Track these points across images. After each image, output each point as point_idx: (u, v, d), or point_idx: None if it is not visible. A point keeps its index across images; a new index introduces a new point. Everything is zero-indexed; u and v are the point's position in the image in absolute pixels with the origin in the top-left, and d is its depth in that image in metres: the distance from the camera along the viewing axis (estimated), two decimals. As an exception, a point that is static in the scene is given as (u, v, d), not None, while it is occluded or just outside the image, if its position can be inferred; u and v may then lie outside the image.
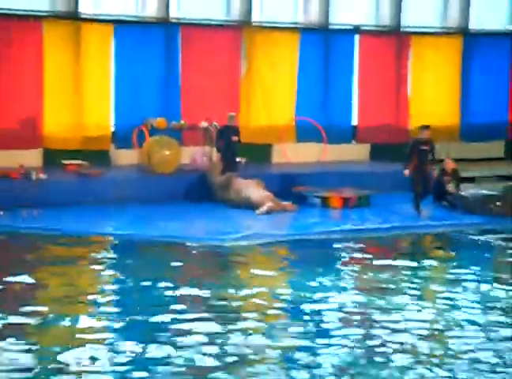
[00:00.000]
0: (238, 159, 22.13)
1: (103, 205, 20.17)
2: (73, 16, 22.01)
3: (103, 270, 16.14)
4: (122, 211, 20.03)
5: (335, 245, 17.94)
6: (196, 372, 10.81)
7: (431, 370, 10.97)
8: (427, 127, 20.88)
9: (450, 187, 21.34)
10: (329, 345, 11.79)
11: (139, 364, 10.87)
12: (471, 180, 23.36)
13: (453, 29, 26.50)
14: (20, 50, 21.43)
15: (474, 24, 26.55)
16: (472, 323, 12.94)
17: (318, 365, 11.08)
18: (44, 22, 21.70)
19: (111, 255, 17.38)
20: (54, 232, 18.02)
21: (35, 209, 19.71)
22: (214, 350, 11.42)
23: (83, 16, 22.18)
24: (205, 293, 14.22)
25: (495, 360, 11.33)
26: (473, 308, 13.82)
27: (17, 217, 19.11)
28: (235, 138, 21.85)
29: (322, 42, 24.66)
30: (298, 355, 11.37)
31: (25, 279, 15.07)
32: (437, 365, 11.05)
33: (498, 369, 11.06)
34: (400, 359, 11.27)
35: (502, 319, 13.20)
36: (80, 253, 16.85)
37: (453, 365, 11.16)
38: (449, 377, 10.78)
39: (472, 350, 11.71)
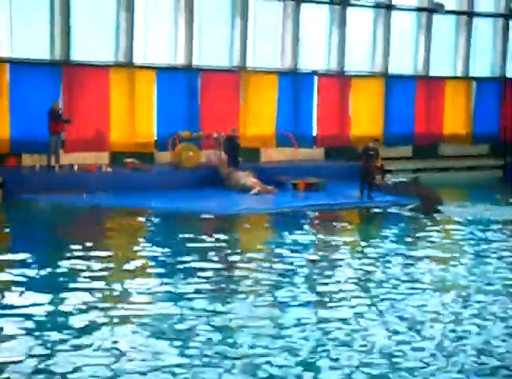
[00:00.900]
0: (239, 159, 22.18)
1: (149, 189, 20.30)
2: (129, 65, 22.11)
3: (150, 226, 17.23)
4: (161, 193, 20.05)
5: (301, 215, 18.45)
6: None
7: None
8: (376, 140, 21.37)
9: (378, 178, 21.45)
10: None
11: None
12: (390, 172, 23.47)
13: (378, 73, 26.30)
14: (95, 87, 21.54)
15: (392, 69, 26.34)
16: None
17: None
18: (110, 69, 21.90)
19: (155, 220, 17.69)
20: (119, 206, 18.56)
21: (106, 192, 19.92)
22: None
23: (136, 64, 22.26)
24: (218, 239, 15.18)
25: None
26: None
27: (95, 197, 19.34)
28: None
29: (293, 80, 24.56)
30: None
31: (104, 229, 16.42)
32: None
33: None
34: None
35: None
36: (135, 217, 17.50)
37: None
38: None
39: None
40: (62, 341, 9.15)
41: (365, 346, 9.31)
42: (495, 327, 10.16)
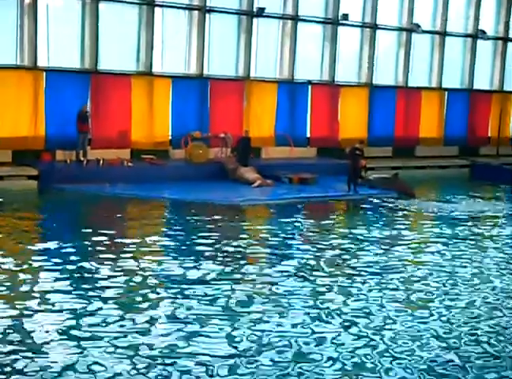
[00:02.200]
0: (251, 156, 22.30)
1: (164, 181, 20.26)
2: (148, 73, 22.07)
3: (164, 214, 17.52)
4: (175, 185, 19.99)
5: (296, 205, 18.62)
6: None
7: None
8: (362, 141, 21.55)
9: (363, 174, 21.47)
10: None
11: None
12: (373, 169, 22.88)
13: (364, 83, 26.30)
14: (119, 92, 21.53)
15: (376, 80, 26.34)
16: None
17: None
18: (132, 77, 21.87)
19: (169, 208, 18.12)
20: (136, 196, 18.52)
21: (127, 183, 19.80)
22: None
23: (154, 73, 22.19)
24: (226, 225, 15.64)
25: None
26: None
27: (118, 188, 19.27)
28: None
29: (290, 89, 24.49)
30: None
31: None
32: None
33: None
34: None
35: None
36: (151, 207, 17.61)
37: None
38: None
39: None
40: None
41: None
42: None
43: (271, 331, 8.89)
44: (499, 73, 29.69)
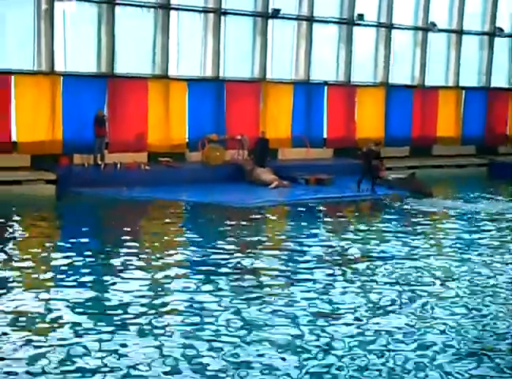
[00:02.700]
0: (268, 158, 22.34)
1: (181, 184, 20.30)
2: (165, 76, 22.08)
3: (183, 215, 17.56)
4: (192, 187, 20.03)
5: (312, 206, 18.78)
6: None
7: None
8: (378, 143, 21.57)
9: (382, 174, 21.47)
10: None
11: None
12: (390, 169, 22.79)
13: (380, 83, 26.19)
14: (136, 96, 21.55)
15: (392, 80, 26.27)
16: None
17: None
18: (149, 80, 21.88)
19: (186, 209, 18.25)
20: (155, 199, 18.67)
21: (144, 187, 19.73)
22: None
23: (170, 76, 22.16)
24: (244, 226, 15.69)
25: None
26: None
27: (135, 191, 19.40)
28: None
29: (306, 90, 24.46)
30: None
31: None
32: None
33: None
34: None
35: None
36: (170, 208, 17.83)
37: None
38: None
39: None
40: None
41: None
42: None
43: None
44: (517, 71, 29.58)
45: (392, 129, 26.29)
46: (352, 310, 9.98)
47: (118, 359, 8.03)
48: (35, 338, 8.56)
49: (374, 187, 20.48)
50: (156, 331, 8.94)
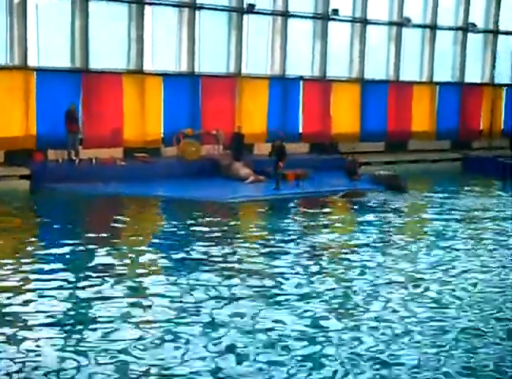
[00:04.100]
0: (244, 152, 22.33)
1: (156, 179, 20.33)
2: (139, 71, 21.98)
3: (158, 213, 17.44)
4: (167, 182, 20.04)
5: (289, 201, 18.82)
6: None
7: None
8: (282, 140, 21.30)
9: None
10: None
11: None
12: (368, 164, 23.30)
13: (355, 78, 26.33)
14: (110, 91, 21.47)
15: (367, 75, 26.35)
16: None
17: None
18: (123, 75, 21.78)
19: (162, 205, 18.09)
20: (129, 195, 18.55)
21: (120, 182, 19.56)
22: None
23: (145, 71, 22.07)
24: (219, 222, 15.50)
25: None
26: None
27: (110, 186, 19.11)
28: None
29: (282, 85, 24.47)
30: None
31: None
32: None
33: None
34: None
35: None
36: (144, 204, 17.87)
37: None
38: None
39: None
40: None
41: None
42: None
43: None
44: (490, 66, 29.74)
45: (367, 124, 26.40)
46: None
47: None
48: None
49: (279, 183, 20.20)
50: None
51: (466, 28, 28.56)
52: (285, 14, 24.55)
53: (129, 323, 9.02)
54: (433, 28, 27.91)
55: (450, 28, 28.50)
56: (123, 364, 7.80)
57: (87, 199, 18.27)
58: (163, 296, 10.13)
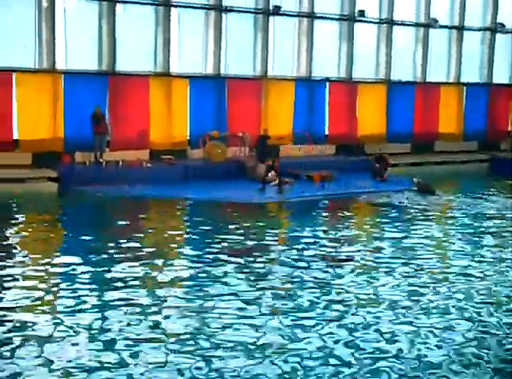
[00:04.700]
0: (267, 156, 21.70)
1: (184, 181, 20.47)
2: (166, 74, 22.09)
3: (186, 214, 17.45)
4: (195, 184, 20.11)
5: (315, 203, 18.74)
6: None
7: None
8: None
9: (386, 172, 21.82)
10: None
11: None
12: (395, 165, 23.04)
13: (381, 79, 26.21)
14: (137, 94, 21.57)
15: (393, 76, 26.25)
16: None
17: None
18: (150, 78, 21.87)
19: (191, 208, 18.03)
20: (158, 196, 18.59)
21: (146, 184, 19.55)
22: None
23: (172, 74, 22.18)
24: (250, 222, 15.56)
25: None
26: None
27: (137, 188, 19.12)
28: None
29: (308, 87, 24.44)
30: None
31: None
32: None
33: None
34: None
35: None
36: (176, 205, 17.93)
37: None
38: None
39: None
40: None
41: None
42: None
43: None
44: (519, 67, 29.52)
45: (394, 126, 26.30)
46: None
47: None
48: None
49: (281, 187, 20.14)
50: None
51: (494, 29, 28.32)
52: (311, 16, 24.54)
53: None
54: (460, 28, 27.71)
55: (478, 29, 28.30)
56: None
57: (114, 201, 18.26)
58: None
